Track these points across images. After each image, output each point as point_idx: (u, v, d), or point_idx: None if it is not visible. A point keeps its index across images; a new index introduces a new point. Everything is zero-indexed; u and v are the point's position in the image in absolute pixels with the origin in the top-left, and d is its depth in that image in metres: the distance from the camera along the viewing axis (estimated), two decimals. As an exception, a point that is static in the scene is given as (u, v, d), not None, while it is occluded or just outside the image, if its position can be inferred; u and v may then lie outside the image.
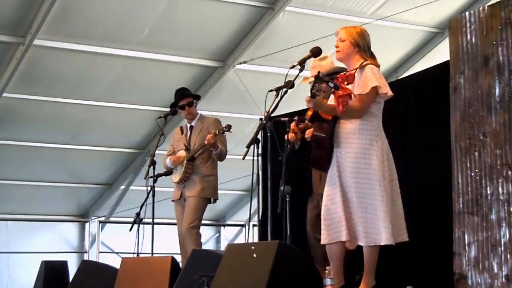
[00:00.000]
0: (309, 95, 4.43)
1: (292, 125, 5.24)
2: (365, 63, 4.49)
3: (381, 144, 4.47)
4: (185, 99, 6.74)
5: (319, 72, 4.51)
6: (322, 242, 4.60)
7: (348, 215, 4.47)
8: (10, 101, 9.17)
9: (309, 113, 4.66)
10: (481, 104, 3.44)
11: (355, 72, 4.48)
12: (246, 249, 4.71)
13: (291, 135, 5.19)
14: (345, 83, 4.43)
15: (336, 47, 4.61)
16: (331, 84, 4.34)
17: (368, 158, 4.41)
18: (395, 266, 5.57)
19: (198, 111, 6.85)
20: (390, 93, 4.49)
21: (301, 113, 5.26)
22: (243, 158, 4.98)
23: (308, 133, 4.93)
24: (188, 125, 6.78)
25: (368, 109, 4.46)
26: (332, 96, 4.54)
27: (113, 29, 8.53)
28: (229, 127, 6.36)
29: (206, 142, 6.33)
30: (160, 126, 6.89)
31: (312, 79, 5.22)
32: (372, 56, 4.61)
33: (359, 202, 4.40)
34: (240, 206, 12.74)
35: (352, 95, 4.36)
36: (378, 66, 4.58)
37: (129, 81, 9.37)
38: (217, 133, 6.33)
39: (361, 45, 4.55)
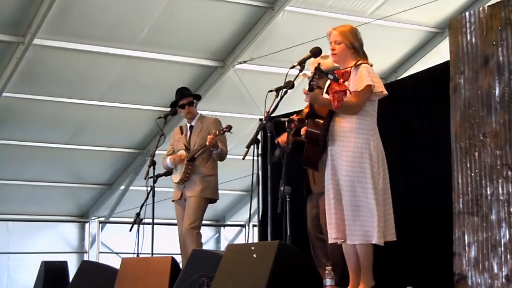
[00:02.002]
0: (307, 88, 4.44)
1: (296, 117, 5.18)
2: (359, 62, 4.53)
3: (377, 144, 4.51)
4: (185, 98, 6.73)
5: (319, 64, 4.51)
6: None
7: (339, 215, 4.49)
8: (10, 100, 9.17)
9: (306, 110, 4.66)
10: (481, 105, 3.44)
11: (351, 69, 4.50)
12: (246, 249, 4.71)
13: (282, 139, 5.13)
14: (341, 80, 4.45)
15: (332, 49, 4.62)
16: (330, 76, 4.35)
17: (364, 157, 4.43)
18: (395, 266, 5.57)
19: (198, 111, 6.85)
20: (385, 92, 4.52)
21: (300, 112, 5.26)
22: (243, 158, 4.98)
23: (303, 131, 4.91)
24: (188, 125, 6.78)
25: (363, 106, 4.49)
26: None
27: (113, 28, 8.54)
28: (229, 127, 6.36)
29: (207, 143, 6.33)
30: (160, 126, 6.89)
31: (310, 74, 5.21)
32: (365, 55, 4.63)
33: (352, 201, 4.41)
34: (240, 206, 12.74)
35: (348, 92, 4.37)
36: (370, 65, 4.61)
37: (129, 81, 9.37)
38: (217, 133, 6.33)
39: (356, 46, 4.60)
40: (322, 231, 5.44)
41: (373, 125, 4.53)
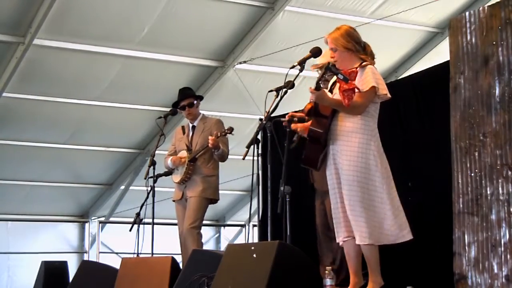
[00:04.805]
0: (314, 86, 4.42)
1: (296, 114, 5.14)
2: (364, 63, 4.52)
3: (378, 145, 4.52)
4: (186, 99, 6.73)
5: (328, 63, 4.50)
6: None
7: (346, 213, 4.49)
8: (10, 100, 9.17)
9: (308, 106, 4.64)
10: (481, 104, 3.44)
11: (357, 70, 4.50)
12: (246, 249, 4.72)
13: (296, 126, 5.03)
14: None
15: (332, 57, 4.62)
16: (340, 76, 4.33)
17: (366, 157, 4.43)
18: (395, 266, 5.57)
19: (200, 111, 6.84)
20: (388, 95, 4.53)
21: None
22: (243, 158, 4.97)
23: (303, 128, 4.86)
24: (190, 125, 6.78)
25: (367, 107, 4.49)
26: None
27: (112, 28, 8.53)
28: (231, 129, 6.34)
29: (209, 145, 6.33)
30: (160, 126, 6.88)
31: (321, 65, 5.18)
32: (365, 50, 4.60)
33: (354, 201, 4.40)
34: (240, 206, 12.74)
35: (356, 89, 4.37)
36: (373, 57, 4.60)
37: (129, 81, 9.36)
38: (219, 135, 6.32)
39: (351, 47, 4.56)
40: (330, 228, 5.45)
41: (374, 126, 4.54)
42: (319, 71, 5.32)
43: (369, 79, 4.45)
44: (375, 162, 4.44)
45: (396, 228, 4.41)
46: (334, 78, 4.61)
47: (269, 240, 4.96)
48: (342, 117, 4.53)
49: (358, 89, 4.38)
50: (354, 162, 4.43)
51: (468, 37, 3.51)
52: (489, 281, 3.30)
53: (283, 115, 5.52)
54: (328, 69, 4.42)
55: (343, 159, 4.47)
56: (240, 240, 12.99)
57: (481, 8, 3.49)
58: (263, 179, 5.52)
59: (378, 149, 4.49)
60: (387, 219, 4.40)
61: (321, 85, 4.46)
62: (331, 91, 4.70)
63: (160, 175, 6.69)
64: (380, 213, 4.39)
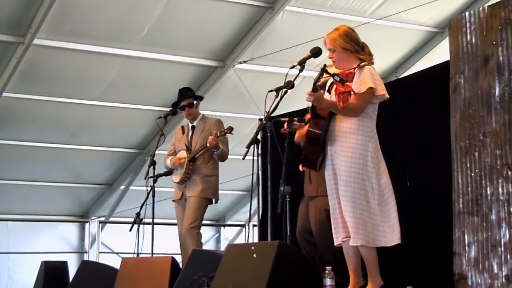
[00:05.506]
0: (311, 89, 4.42)
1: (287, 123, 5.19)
2: (362, 64, 4.51)
3: (376, 146, 4.50)
4: (185, 100, 6.73)
5: (324, 65, 4.50)
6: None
7: (343, 214, 4.48)
8: (10, 100, 9.17)
9: (308, 116, 4.65)
10: (481, 104, 3.44)
11: (354, 70, 4.49)
12: (246, 249, 4.72)
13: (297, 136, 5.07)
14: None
15: (330, 57, 4.62)
16: (336, 78, 4.33)
17: (363, 159, 4.42)
18: (395, 266, 5.58)
19: (200, 111, 6.84)
20: (386, 95, 4.50)
21: (301, 113, 5.25)
22: (243, 158, 4.98)
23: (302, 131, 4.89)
24: (190, 125, 6.78)
25: (365, 109, 4.47)
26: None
27: (113, 28, 8.53)
28: (230, 129, 6.34)
29: (207, 144, 6.33)
30: (160, 126, 6.89)
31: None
32: (364, 49, 4.60)
33: (352, 202, 4.40)
34: (240, 206, 12.75)
35: (352, 92, 4.36)
36: (371, 56, 4.59)
37: (129, 81, 9.36)
38: (218, 135, 6.32)
39: (349, 47, 4.54)
40: (311, 233, 5.45)
41: (372, 127, 4.52)
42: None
43: (366, 80, 4.43)
44: (372, 164, 4.43)
45: (391, 231, 4.41)
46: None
47: (269, 240, 4.96)
48: (339, 118, 4.52)
49: (354, 91, 4.38)
50: (351, 163, 4.42)
51: (468, 37, 3.51)
52: (489, 281, 3.30)
53: (283, 115, 5.55)
54: (324, 71, 4.42)
55: (340, 160, 4.47)
56: (240, 240, 12.99)
57: (481, 8, 3.49)
58: (263, 179, 5.52)
59: (375, 150, 4.48)
60: (383, 221, 4.39)
61: (318, 87, 4.46)
62: (329, 91, 4.70)
63: (160, 175, 6.69)
64: (376, 214, 4.39)
